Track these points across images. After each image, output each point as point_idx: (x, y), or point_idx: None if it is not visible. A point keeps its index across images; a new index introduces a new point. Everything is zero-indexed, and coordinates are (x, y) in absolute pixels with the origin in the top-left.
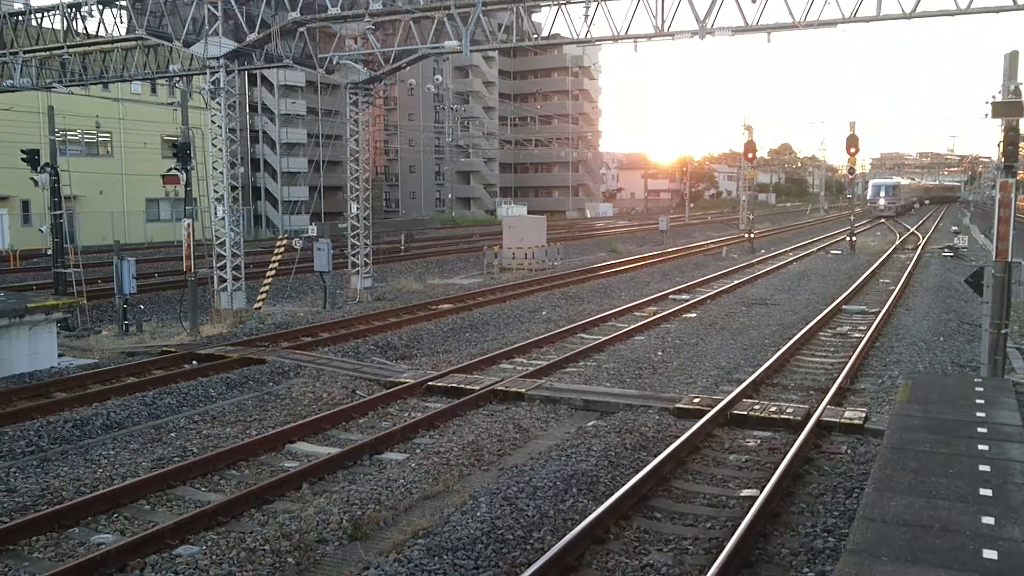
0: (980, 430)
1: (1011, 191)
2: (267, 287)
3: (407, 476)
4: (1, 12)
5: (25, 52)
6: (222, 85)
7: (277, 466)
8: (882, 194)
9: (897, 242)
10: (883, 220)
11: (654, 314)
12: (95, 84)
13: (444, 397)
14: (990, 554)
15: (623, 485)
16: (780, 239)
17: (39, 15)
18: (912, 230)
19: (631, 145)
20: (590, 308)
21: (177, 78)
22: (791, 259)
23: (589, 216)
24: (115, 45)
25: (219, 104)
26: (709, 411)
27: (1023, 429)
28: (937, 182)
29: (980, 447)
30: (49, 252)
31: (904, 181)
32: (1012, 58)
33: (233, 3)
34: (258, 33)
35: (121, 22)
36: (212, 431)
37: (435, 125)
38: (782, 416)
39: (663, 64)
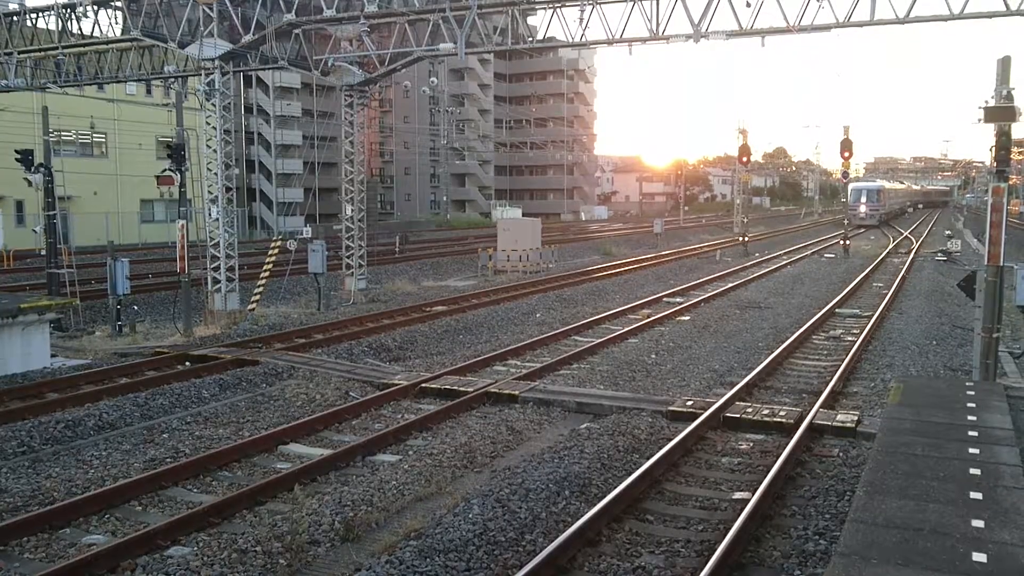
0: (971, 433)
1: (1003, 196)
2: (261, 288)
3: (399, 478)
4: None
5: (20, 52)
6: (217, 86)
7: (270, 467)
8: (863, 199)
9: (890, 246)
10: (864, 229)
11: (648, 317)
12: (90, 85)
13: (437, 399)
14: (979, 557)
15: (615, 487)
16: (774, 242)
17: (34, 15)
18: (906, 234)
19: (626, 148)
20: (584, 310)
21: (172, 79)
22: (785, 262)
23: (584, 219)
24: (110, 46)
25: (214, 105)
26: (702, 414)
27: (1013, 433)
28: (920, 186)
29: (971, 450)
30: (43, 252)
31: (888, 184)
32: (1004, 63)
33: (228, 4)
34: (253, 34)
35: (116, 23)
36: (205, 432)
37: (430, 127)
38: (775, 419)
39: (658, 67)
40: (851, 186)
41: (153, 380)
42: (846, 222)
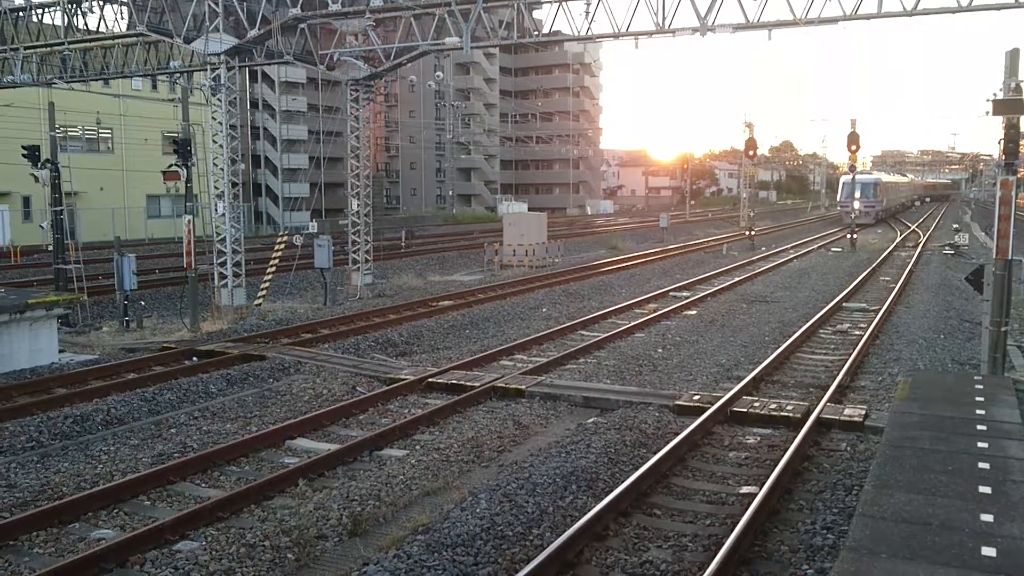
0: (980, 428)
1: (1011, 189)
2: (267, 283)
3: (407, 472)
4: (2, 8)
5: (26, 48)
6: (223, 81)
7: (277, 462)
8: (857, 195)
9: (898, 240)
10: (854, 236)
11: (654, 311)
12: (96, 80)
13: (444, 394)
14: (989, 551)
15: (623, 482)
16: (781, 236)
17: (40, 11)
18: (913, 228)
19: (632, 142)
20: (590, 305)
21: (178, 74)
22: (792, 256)
23: (590, 213)
24: (116, 41)
25: (220, 100)
26: (709, 408)
27: (1023, 427)
28: (921, 179)
29: (979, 445)
30: (50, 248)
31: (887, 177)
32: (1013, 55)
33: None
34: (259, 29)
35: (122, 18)
36: (212, 427)
37: (436, 122)
38: (782, 413)
39: (664, 61)
40: (842, 179)
41: (160, 375)
42: (853, 217)
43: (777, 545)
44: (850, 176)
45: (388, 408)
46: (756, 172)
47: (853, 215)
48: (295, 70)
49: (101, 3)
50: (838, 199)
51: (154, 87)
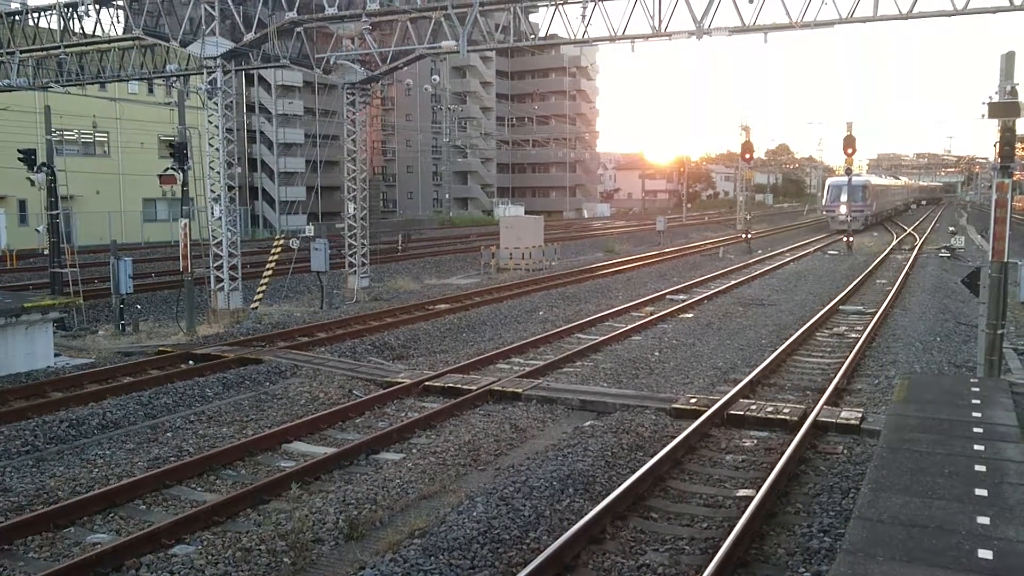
0: (976, 430)
1: (1007, 191)
2: (264, 287)
3: (403, 476)
4: None
5: (22, 52)
6: (219, 85)
7: (273, 466)
8: (843, 199)
9: (894, 243)
10: (850, 239)
11: (651, 314)
12: (92, 84)
13: (441, 397)
14: (985, 554)
15: (619, 485)
16: (777, 239)
17: (36, 15)
18: (909, 231)
19: (628, 145)
20: (587, 308)
21: (174, 78)
22: (788, 259)
23: (586, 216)
24: (112, 45)
25: (216, 104)
26: (706, 411)
27: (1019, 429)
28: (916, 181)
29: (976, 447)
30: (46, 252)
31: (877, 180)
32: (1008, 58)
33: (230, 3)
34: (255, 33)
35: (118, 22)
36: (208, 431)
37: (432, 125)
38: (779, 416)
39: (660, 65)
40: (828, 182)
41: (157, 379)
42: (848, 222)
43: (774, 548)
44: (836, 179)
45: (385, 411)
46: (752, 175)
47: (847, 219)
48: (291, 74)
49: (97, 7)
50: (824, 203)
51: (150, 91)
